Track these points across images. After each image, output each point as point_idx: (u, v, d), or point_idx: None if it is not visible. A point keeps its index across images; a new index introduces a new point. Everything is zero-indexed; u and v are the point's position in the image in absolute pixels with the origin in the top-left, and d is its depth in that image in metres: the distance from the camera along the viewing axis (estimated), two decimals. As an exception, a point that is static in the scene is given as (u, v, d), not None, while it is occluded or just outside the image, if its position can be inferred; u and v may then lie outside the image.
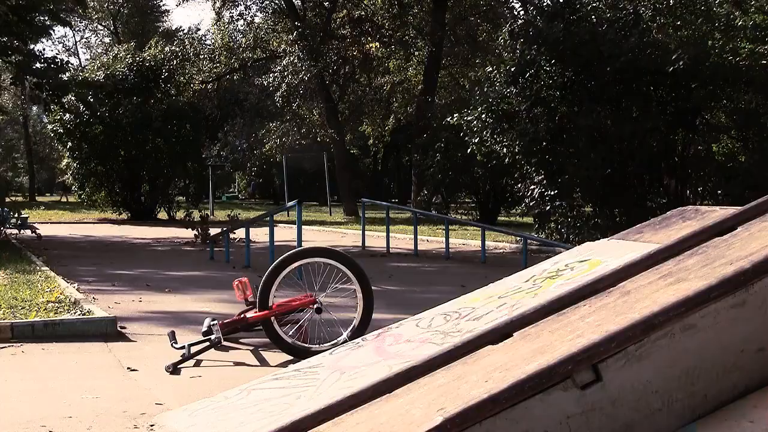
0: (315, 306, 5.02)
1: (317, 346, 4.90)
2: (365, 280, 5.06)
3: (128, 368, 4.64)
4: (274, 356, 4.99)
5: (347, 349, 2.93)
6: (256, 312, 5.05)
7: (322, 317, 5.11)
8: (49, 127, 26.60)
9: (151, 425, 3.31)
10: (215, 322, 5.05)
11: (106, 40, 47.00)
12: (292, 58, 26.00)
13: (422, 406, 2.03)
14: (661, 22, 13.39)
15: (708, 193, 13.54)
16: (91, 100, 22.92)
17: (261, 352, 5.16)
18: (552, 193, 13.57)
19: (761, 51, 11.99)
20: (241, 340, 5.43)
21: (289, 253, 5.29)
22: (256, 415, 2.51)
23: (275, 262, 5.16)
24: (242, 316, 5.15)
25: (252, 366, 4.82)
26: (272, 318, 5.00)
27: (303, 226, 10.73)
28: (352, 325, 5.02)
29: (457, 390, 2.05)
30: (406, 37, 27.57)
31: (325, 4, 28.01)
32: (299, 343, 5.01)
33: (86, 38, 49.41)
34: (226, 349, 5.19)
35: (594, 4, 13.52)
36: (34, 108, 41.18)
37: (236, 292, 5.39)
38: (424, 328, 2.85)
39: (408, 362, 2.29)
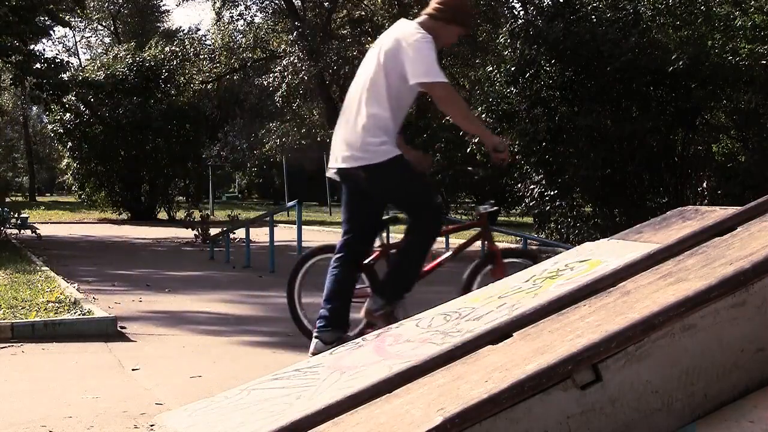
0: None
1: None
2: None
3: (128, 368, 4.64)
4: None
5: (347, 349, 2.93)
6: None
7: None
8: (49, 127, 26.65)
9: (151, 425, 3.31)
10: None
11: (106, 40, 47.01)
12: (292, 58, 25.99)
13: (422, 406, 2.03)
14: (660, 22, 13.39)
15: (708, 193, 13.54)
16: (91, 100, 22.96)
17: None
18: (552, 193, 13.57)
19: (761, 51, 11.98)
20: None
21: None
22: (256, 415, 2.51)
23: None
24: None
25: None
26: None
27: (303, 226, 10.72)
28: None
29: (457, 390, 2.05)
30: (406, 37, 27.52)
31: (325, 4, 27.99)
32: None
33: (86, 38, 49.46)
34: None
35: (594, 4, 13.51)
36: (34, 108, 41.20)
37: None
38: (424, 328, 2.85)
39: (408, 362, 2.29)
